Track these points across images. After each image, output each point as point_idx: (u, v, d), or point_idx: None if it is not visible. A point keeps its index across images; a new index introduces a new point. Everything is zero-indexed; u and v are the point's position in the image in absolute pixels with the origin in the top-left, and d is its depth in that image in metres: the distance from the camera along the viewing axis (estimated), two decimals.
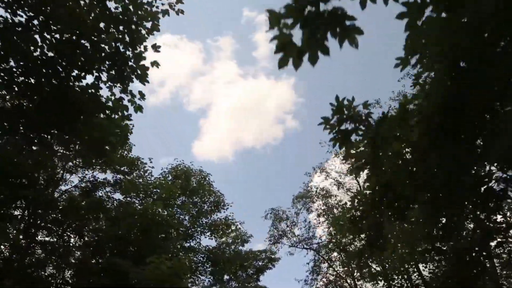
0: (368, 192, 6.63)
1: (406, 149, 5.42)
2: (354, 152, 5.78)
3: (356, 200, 6.83)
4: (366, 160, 5.65)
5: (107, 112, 7.60)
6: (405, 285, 22.42)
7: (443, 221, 6.14)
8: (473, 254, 5.97)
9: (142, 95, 8.22)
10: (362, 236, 24.50)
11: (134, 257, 19.61)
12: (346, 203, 26.07)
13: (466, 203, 5.67)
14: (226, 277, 32.23)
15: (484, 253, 6.06)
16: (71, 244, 23.53)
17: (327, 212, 27.22)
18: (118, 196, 23.93)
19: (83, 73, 7.49)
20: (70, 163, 24.04)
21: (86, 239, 23.93)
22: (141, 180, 22.76)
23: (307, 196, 28.87)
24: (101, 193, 24.44)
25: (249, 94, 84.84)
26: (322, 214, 27.81)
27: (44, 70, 7.43)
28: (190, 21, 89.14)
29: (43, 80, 7.49)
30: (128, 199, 22.19)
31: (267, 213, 29.89)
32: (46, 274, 22.43)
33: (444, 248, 6.35)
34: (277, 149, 74.71)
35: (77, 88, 7.44)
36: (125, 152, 24.85)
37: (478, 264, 6.01)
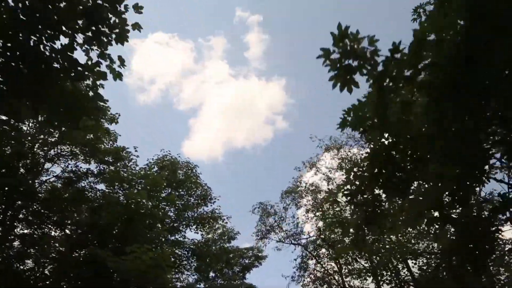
0: (366, 163, 6.10)
1: (417, 97, 4.88)
2: (356, 104, 5.20)
3: (353, 173, 6.29)
4: (371, 109, 5.06)
5: (81, 76, 6.93)
6: (394, 281, 22.09)
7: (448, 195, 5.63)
8: (483, 223, 5.50)
9: (122, 61, 7.55)
10: (350, 233, 24.12)
11: (116, 248, 18.90)
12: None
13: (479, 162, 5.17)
14: (211, 274, 31.64)
15: (493, 226, 5.58)
16: (51, 236, 22.72)
17: (316, 207, 26.74)
18: (101, 187, 23.19)
19: (57, 33, 6.81)
20: (52, 152, 23.24)
21: (67, 231, 23.13)
22: (125, 170, 22.00)
23: (296, 191, 28.36)
24: (84, 183, 23.65)
25: (240, 95, 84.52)
26: (311, 209, 27.33)
27: (13, 30, 6.75)
28: (182, 19, 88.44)
29: (11, 40, 6.79)
30: (111, 188, 21.40)
31: (255, 207, 29.31)
32: (25, 268, 21.59)
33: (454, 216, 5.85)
34: (267, 150, 74.35)
35: (49, 50, 6.76)
36: (110, 142, 24.12)
37: (487, 237, 5.53)
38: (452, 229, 20.62)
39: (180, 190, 25.56)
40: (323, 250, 27.55)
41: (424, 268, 21.26)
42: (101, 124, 22.89)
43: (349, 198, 6.40)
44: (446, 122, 4.72)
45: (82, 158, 23.44)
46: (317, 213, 26.46)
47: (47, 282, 21.39)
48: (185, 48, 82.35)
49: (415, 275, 21.30)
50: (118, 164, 22.41)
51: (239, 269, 34.05)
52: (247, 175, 76.45)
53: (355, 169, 6.24)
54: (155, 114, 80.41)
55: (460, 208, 5.70)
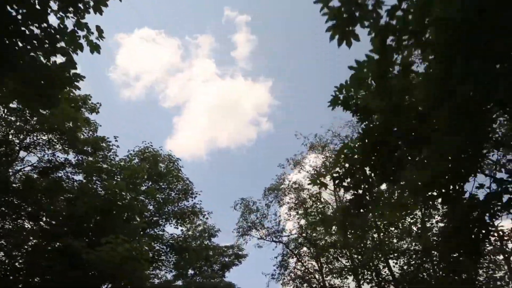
0: (357, 145, 5.75)
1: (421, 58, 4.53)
2: (356, 64, 4.81)
3: (343, 156, 5.93)
4: (372, 68, 4.69)
5: (55, 43, 6.40)
6: (374, 281, 22.00)
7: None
8: (478, 211, 5.24)
9: (100, 32, 7.04)
10: (333, 229, 23.95)
11: (93, 240, 18.24)
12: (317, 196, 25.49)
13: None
14: (190, 271, 31.13)
15: (489, 212, 5.32)
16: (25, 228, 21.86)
17: (299, 204, 26.47)
18: (80, 177, 22.43)
19: None
20: (28, 139, 22.38)
21: (42, 223, 22.31)
22: (104, 160, 21.31)
23: (279, 189, 28.00)
24: (61, 173, 22.86)
25: (225, 94, 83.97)
26: (294, 207, 27.04)
27: None
28: (169, 16, 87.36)
29: None
30: (88, 179, 20.68)
31: (237, 203, 28.81)
32: None
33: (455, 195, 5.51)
34: (251, 150, 73.99)
35: (15, 12, 6.20)
36: (90, 133, 23.40)
37: (482, 223, 5.26)
38: (435, 229, 20.66)
39: (161, 184, 24.94)
40: (304, 248, 27.30)
41: (405, 268, 21.24)
42: (81, 113, 22.19)
43: (337, 181, 6.05)
44: (451, 85, 4.38)
45: (60, 148, 22.67)
46: (300, 211, 26.21)
47: (19, 275, 20.57)
48: (171, 45, 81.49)
49: (396, 274, 21.24)
50: (98, 154, 21.68)
51: (219, 267, 33.64)
52: (230, 175, 75.97)
53: (345, 151, 5.90)
54: (139, 110, 79.24)
55: (457, 190, 5.41)
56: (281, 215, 28.51)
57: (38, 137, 22.03)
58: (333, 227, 20.23)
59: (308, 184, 24.63)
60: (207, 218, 26.95)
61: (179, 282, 29.45)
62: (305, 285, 25.98)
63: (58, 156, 22.50)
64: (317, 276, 26.12)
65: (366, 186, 5.97)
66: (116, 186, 17.96)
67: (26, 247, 20.98)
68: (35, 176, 22.47)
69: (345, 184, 6.06)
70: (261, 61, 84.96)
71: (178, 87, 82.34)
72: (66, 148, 22.59)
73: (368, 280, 21.94)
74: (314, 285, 25.86)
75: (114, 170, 20.69)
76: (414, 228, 20.74)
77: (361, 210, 6.15)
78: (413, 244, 21.15)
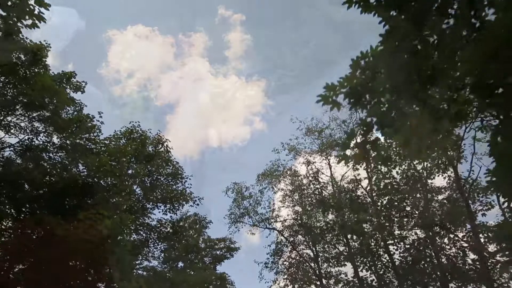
0: (378, 51, 4.60)
1: None
2: None
3: (360, 70, 4.72)
4: None
5: None
6: (371, 268, 21.03)
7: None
8: None
9: None
10: (329, 219, 22.83)
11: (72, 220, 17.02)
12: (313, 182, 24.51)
13: None
14: (180, 264, 30.04)
15: None
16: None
17: (294, 191, 25.42)
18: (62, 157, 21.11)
19: None
20: (9, 118, 21.03)
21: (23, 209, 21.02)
22: (89, 139, 20.03)
23: (273, 175, 26.76)
24: (44, 155, 21.53)
25: (218, 93, 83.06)
26: (289, 194, 25.94)
27: None
28: (163, 13, 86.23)
29: None
30: (70, 159, 19.41)
31: (229, 188, 27.54)
32: None
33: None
34: (244, 150, 73.10)
35: None
36: (75, 113, 22.06)
37: None
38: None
39: (149, 167, 23.60)
40: (300, 236, 26.11)
41: (405, 254, 20.29)
42: (64, 90, 20.85)
43: (352, 100, 4.87)
44: None
45: (42, 128, 21.32)
46: (295, 197, 25.13)
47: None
48: (165, 43, 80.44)
49: (396, 261, 20.26)
50: (82, 132, 20.34)
51: (210, 260, 32.56)
52: (222, 174, 74.80)
53: (361, 62, 4.72)
54: (130, 108, 78.06)
55: None
56: (275, 203, 27.38)
57: (20, 115, 20.69)
58: (330, 209, 19.18)
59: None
60: (197, 204, 25.64)
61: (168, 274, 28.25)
62: (299, 273, 24.82)
63: (40, 136, 21.16)
64: (312, 265, 24.96)
65: (392, 100, 4.78)
66: (99, 162, 16.66)
67: (8, 232, 19.75)
68: (18, 161, 21.19)
69: (361, 102, 4.89)
70: (255, 61, 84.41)
71: (171, 85, 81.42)
72: (50, 131, 21.28)
73: (366, 267, 20.91)
74: (309, 274, 24.70)
75: (98, 148, 19.38)
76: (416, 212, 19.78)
77: (385, 129, 4.97)
78: (415, 230, 20.16)
